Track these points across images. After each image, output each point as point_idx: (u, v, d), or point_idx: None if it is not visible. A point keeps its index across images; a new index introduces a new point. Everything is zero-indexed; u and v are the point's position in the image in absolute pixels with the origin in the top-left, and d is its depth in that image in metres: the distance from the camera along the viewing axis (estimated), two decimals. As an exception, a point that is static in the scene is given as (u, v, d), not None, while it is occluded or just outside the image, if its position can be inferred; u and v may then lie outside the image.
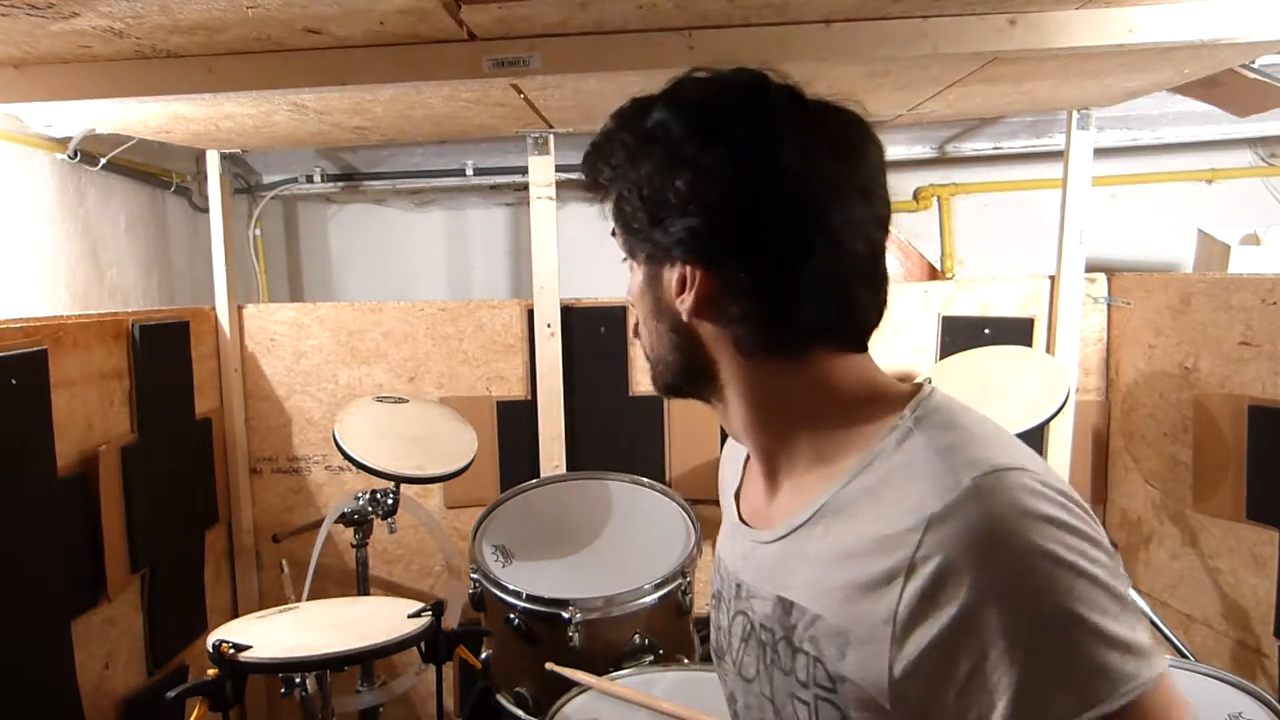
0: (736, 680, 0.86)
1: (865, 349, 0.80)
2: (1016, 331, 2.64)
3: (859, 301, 0.78)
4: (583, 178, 0.86)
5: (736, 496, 0.94)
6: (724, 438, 2.98)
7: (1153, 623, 1.88)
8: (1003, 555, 0.62)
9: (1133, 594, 0.65)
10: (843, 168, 0.76)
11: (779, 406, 0.80)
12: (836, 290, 0.76)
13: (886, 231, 0.79)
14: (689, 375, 0.84)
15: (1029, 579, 0.62)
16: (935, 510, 0.65)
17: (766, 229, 0.74)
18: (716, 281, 0.76)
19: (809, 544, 0.76)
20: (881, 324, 0.81)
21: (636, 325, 0.88)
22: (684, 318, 0.78)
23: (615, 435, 2.72)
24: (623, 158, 0.79)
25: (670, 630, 1.97)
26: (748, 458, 0.92)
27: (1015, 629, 0.61)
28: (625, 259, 0.86)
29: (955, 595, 0.63)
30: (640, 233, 0.79)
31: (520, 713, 1.90)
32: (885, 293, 0.80)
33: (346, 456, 2.14)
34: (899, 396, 0.77)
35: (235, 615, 2.60)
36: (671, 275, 0.78)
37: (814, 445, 0.79)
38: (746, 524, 0.88)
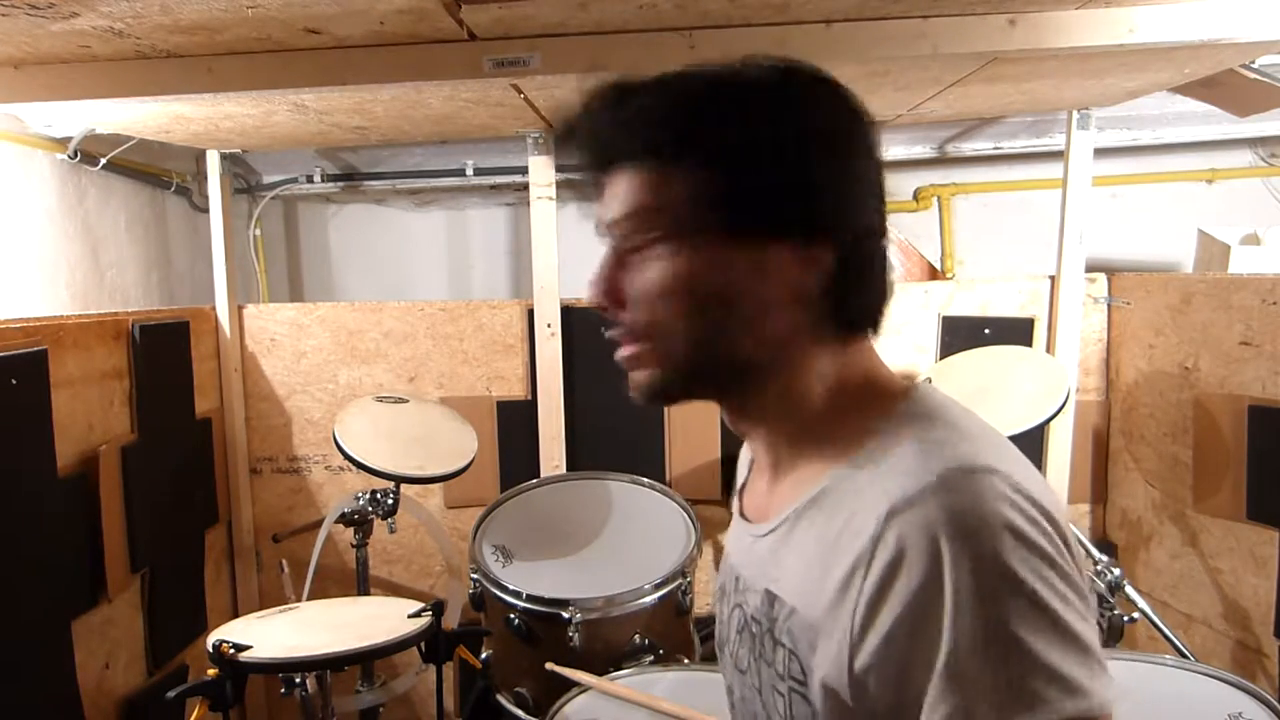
0: (733, 672, 0.87)
1: (874, 333, 0.82)
2: (1016, 331, 2.64)
3: (889, 283, 0.79)
4: (587, 151, 0.77)
5: (741, 491, 0.94)
6: (724, 438, 2.97)
7: (1152, 623, 1.88)
8: (955, 556, 0.61)
9: (1091, 636, 0.62)
10: (876, 149, 0.79)
11: (806, 397, 0.78)
12: (886, 269, 0.78)
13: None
14: (725, 370, 0.77)
15: (976, 587, 0.61)
16: (898, 501, 0.65)
17: (860, 208, 0.75)
18: (818, 259, 0.73)
19: (794, 537, 0.77)
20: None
21: (639, 326, 0.77)
22: (775, 295, 0.73)
23: (615, 435, 2.72)
24: (712, 124, 0.72)
25: (670, 630, 1.97)
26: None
27: (953, 634, 0.61)
28: (644, 244, 0.75)
29: (905, 589, 0.63)
30: (724, 209, 0.72)
31: (520, 713, 1.90)
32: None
33: (346, 456, 2.14)
34: (896, 391, 0.77)
35: (235, 615, 2.60)
36: (752, 256, 0.72)
37: (816, 437, 0.78)
38: (746, 518, 0.89)
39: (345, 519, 2.22)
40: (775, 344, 0.75)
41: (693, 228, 0.73)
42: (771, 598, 0.77)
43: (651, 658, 1.88)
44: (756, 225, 0.72)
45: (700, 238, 0.73)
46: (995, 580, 0.61)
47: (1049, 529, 0.64)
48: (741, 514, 0.91)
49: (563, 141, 0.81)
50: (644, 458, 2.70)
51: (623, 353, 0.79)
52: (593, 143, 0.77)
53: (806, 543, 0.74)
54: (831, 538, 0.71)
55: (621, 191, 0.75)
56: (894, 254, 0.80)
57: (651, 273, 0.74)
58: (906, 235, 3.11)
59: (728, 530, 0.96)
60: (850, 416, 0.76)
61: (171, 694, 1.54)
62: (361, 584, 2.31)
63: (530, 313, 2.66)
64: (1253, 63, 2.01)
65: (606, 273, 0.77)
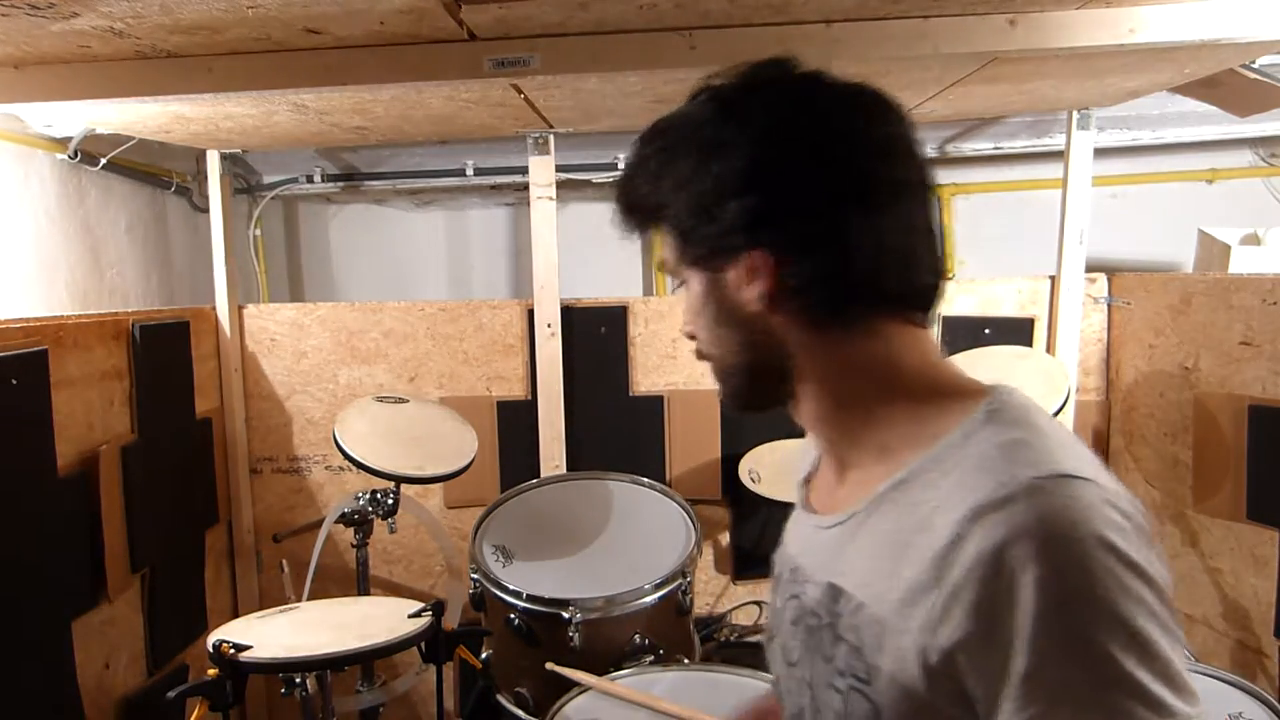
0: (781, 664, 0.86)
1: (928, 321, 0.79)
2: (1016, 331, 2.64)
3: (918, 258, 0.77)
4: (617, 220, 0.85)
5: (807, 481, 0.94)
6: (724, 438, 2.96)
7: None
8: (1044, 566, 0.60)
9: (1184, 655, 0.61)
10: (877, 128, 0.77)
11: (850, 393, 0.79)
12: (894, 244, 0.76)
13: (930, 193, 0.79)
14: (765, 377, 0.82)
15: (1065, 600, 0.60)
16: (985, 501, 0.64)
17: (817, 192, 0.74)
18: (779, 258, 0.75)
19: (863, 532, 0.76)
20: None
21: (698, 349, 0.86)
22: (754, 308, 0.77)
23: (615, 435, 2.72)
24: (660, 164, 0.79)
25: (670, 630, 1.97)
26: None
27: (1038, 644, 0.60)
28: (678, 284, 0.84)
29: (988, 594, 0.62)
30: (695, 233, 0.78)
31: (520, 713, 1.90)
32: (941, 257, 0.79)
33: (347, 456, 2.14)
34: (971, 393, 0.76)
35: (235, 615, 2.60)
36: (734, 270, 0.77)
37: (880, 438, 0.78)
38: (812, 509, 0.88)
39: (345, 519, 2.22)
40: (781, 349, 0.79)
41: (687, 266, 0.82)
42: (836, 591, 0.76)
43: (651, 658, 1.88)
44: (700, 259, 0.80)
45: (691, 274, 0.82)
46: (1085, 594, 0.60)
47: (1140, 542, 0.62)
48: (806, 504, 0.90)
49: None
50: (644, 458, 2.70)
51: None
52: (613, 214, 0.87)
53: (877, 538, 0.74)
54: (906, 534, 0.70)
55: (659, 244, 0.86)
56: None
57: (686, 306, 0.85)
58: (906, 235, 3.11)
59: (789, 519, 0.95)
60: (915, 411, 0.76)
61: (171, 694, 1.54)
62: (362, 584, 2.30)
63: (530, 313, 2.66)
64: (1253, 63, 2.01)
65: (683, 308, 0.87)
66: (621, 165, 2.91)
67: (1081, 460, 0.67)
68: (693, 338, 0.86)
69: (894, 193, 0.76)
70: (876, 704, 0.70)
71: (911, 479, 0.73)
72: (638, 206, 0.83)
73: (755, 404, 0.85)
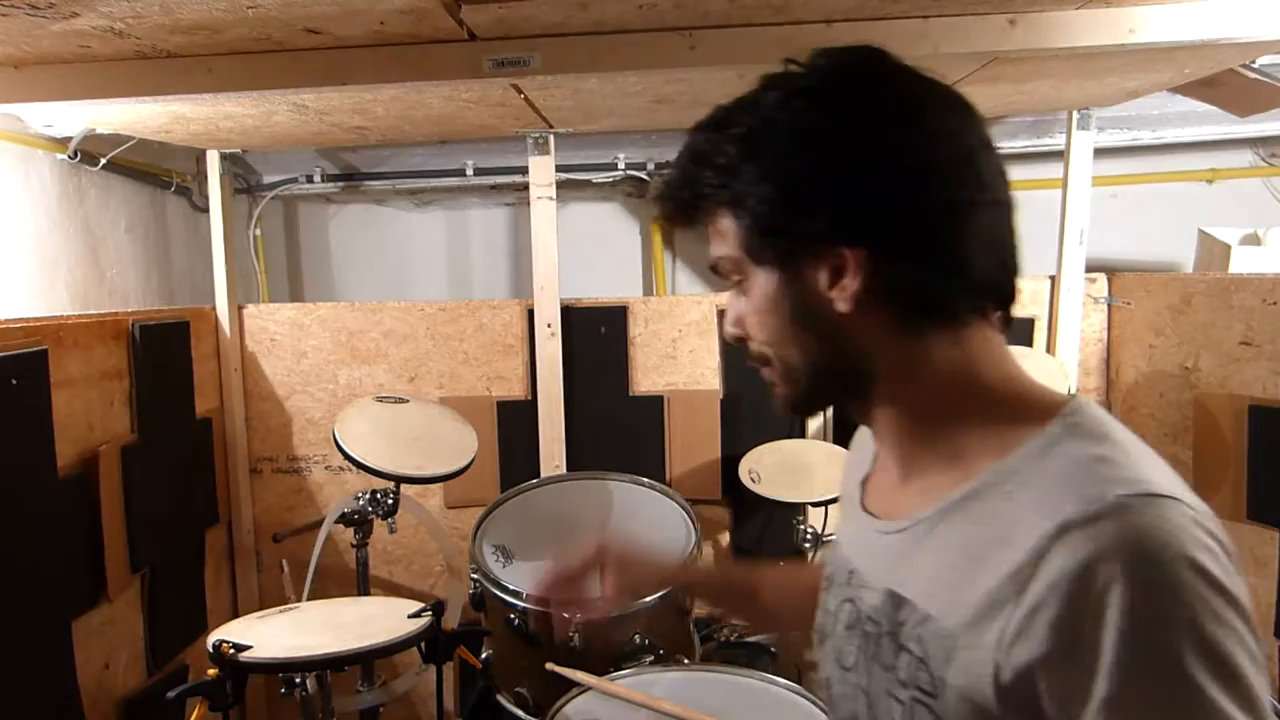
0: (834, 667, 0.84)
1: (1010, 323, 0.78)
2: (1016, 331, 2.64)
3: (1008, 259, 0.76)
4: (671, 211, 0.81)
5: (864, 483, 0.91)
6: (724, 438, 2.95)
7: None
8: (1130, 585, 0.58)
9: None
10: (972, 125, 0.75)
11: (928, 399, 0.77)
12: (989, 246, 0.74)
13: (1010, 192, 0.77)
14: (837, 381, 0.79)
15: (1150, 620, 0.58)
16: (1071, 518, 0.62)
17: (917, 189, 0.71)
18: (873, 256, 0.71)
19: (929, 541, 0.74)
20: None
21: (755, 351, 0.81)
22: (842, 308, 0.73)
23: (615, 435, 2.72)
24: (739, 153, 0.74)
25: (670, 630, 1.97)
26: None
27: (1120, 665, 0.58)
28: (736, 279, 0.80)
29: (1071, 611, 0.60)
30: (777, 228, 0.74)
31: (520, 713, 1.90)
32: (1020, 257, 0.77)
33: (347, 456, 2.14)
34: (1048, 403, 0.74)
35: (235, 615, 2.60)
36: (819, 268, 0.73)
37: (952, 445, 0.76)
38: (870, 513, 0.86)
39: (345, 519, 2.22)
40: (864, 351, 0.76)
41: (756, 263, 0.77)
42: (898, 600, 0.75)
43: (651, 658, 1.88)
44: (778, 255, 0.75)
45: (760, 271, 0.77)
46: (1173, 617, 0.58)
47: (1228, 564, 0.61)
48: (864, 507, 0.87)
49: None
50: (644, 458, 2.70)
51: (764, 375, 0.83)
52: (665, 206, 0.83)
53: (946, 548, 0.72)
54: (979, 546, 0.68)
55: (710, 239, 0.81)
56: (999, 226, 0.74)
57: (746, 306, 0.80)
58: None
59: (841, 519, 0.93)
60: (991, 419, 0.74)
61: (171, 694, 1.54)
62: (362, 584, 2.30)
63: (530, 313, 2.66)
64: (1253, 63, 2.01)
65: (730, 309, 0.83)
66: (622, 165, 2.94)
67: (1167, 477, 0.65)
68: (740, 340, 0.82)
69: (989, 190, 0.74)
70: (942, 717, 0.69)
71: (985, 490, 0.71)
72: (702, 198, 0.78)
73: (817, 407, 0.83)
